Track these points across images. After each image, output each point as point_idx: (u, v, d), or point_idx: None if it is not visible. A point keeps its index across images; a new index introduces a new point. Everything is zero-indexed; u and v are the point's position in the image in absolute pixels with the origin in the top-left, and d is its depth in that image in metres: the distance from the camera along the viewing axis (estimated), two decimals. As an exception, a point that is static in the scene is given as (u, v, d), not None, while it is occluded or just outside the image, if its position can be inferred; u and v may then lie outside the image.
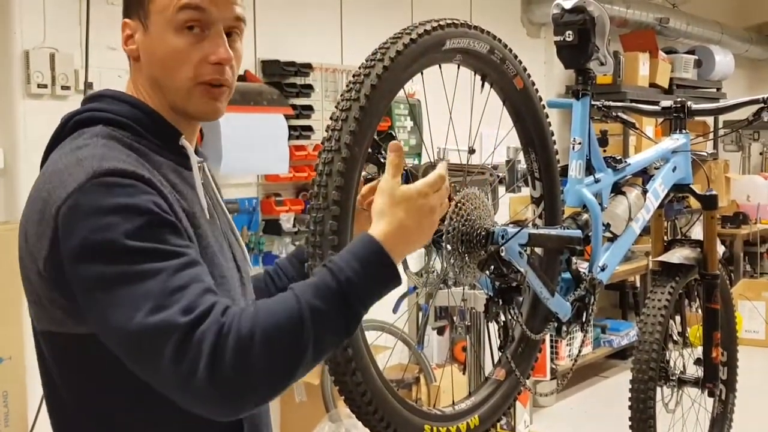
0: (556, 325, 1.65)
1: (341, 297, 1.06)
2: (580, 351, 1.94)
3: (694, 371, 2.39)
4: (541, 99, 1.58)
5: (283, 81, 3.88)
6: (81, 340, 1.13)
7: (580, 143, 1.74)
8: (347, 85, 1.21)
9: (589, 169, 1.78)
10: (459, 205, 1.37)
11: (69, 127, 1.20)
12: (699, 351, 2.38)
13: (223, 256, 1.24)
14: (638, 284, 6.32)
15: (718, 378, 2.36)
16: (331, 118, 1.19)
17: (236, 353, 1.00)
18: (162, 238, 1.07)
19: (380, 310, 1.96)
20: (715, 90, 7.27)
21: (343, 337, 1.09)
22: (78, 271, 1.06)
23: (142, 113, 1.21)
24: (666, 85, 6.39)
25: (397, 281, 1.12)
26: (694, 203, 2.39)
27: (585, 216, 1.72)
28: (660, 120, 2.45)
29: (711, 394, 2.39)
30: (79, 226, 1.05)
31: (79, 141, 1.15)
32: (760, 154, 8.79)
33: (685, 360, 2.42)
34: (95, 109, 1.20)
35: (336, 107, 1.20)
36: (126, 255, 1.04)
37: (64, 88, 3.18)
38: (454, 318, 3.59)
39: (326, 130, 1.19)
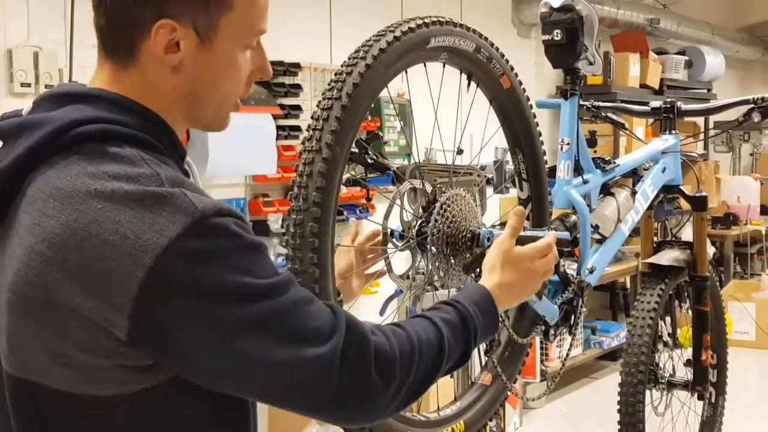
0: (543, 328, 1.62)
1: (467, 341, 1.17)
2: (568, 354, 1.91)
3: (684, 373, 2.37)
4: (528, 99, 1.55)
5: (271, 80, 3.85)
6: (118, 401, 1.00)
7: (568, 144, 1.72)
8: (329, 84, 1.18)
9: (578, 170, 1.75)
10: (444, 206, 1.35)
11: (68, 140, 0.97)
12: (689, 352, 2.36)
13: None
14: (628, 285, 6.31)
15: (707, 381, 2.34)
16: (312, 118, 1.17)
17: (385, 369, 1.03)
18: (273, 269, 1.00)
19: (368, 311, 1.93)
20: (705, 91, 7.28)
21: (452, 370, 1.18)
22: (203, 318, 0.94)
23: (158, 128, 1.04)
24: (656, 86, 6.39)
25: (495, 332, 1.28)
26: (684, 204, 2.37)
27: (573, 217, 1.69)
28: (650, 121, 2.43)
29: (701, 397, 2.37)
30: (201, 271, 0.93)
31: (123, 168, 0.95)
32: (751, 155, 8.80)
33: (674, 362, 2.41)
34: (104, 120, 0.99)
35: (317, 106, 1.17)
36: (260, 293, 0.96)
37: (48, 86, 3.14)
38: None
39: (307, 130, 1.16)
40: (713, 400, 2.48)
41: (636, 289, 5.85)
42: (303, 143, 1.16)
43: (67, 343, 0.96)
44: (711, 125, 6.74)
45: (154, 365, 0.97)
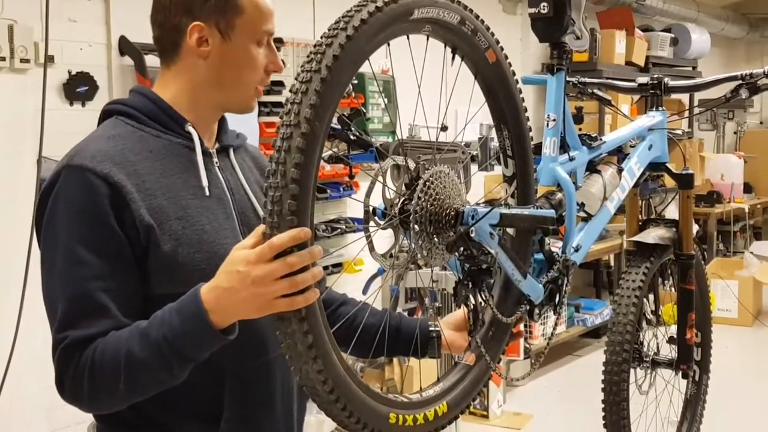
0: (528, 307, 1.59)
1: (159, 348, 1.24)
2: (553, 333, 1.89)
3: (668, 351, 2.36)
4: (514, 73, 1.51)
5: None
6: None
7: (554, 120, 1.68)
8: (308, 56, 1.13)
9: (564, 147, 1.72)
10: (428, 184, 1.31)
11: (101, 115, 1.48)
12: (672, 330, 2.35)
13: (219, 232, 1.41)
14: (612, 263, 6.32)
15: (692, 359, 2.33)
16: (290, 91, 1.12)
17: (73, 379, 1.29)
18: (86, 236, 1.30)
19: (351, 290, 1.90)
20: (690, 68, 7.27)
21: (166, 378, 1.27)
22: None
23: (152, 104, 1.45)
24: (642, 63, 6.37)
25: (215, 340, 1.22)
26: (669, 182, 2.35)
27: (559, 195, 1.66)
28: (636, 98, 2.40)
29: (685, 376, 2.36)
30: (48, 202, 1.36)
31: (96, 130, 1.44)
32: (735, 133, 8.82)
33: (658, 340, 2.39)
34: (117, 102, 1.48)
35: (296, 79, 1.12)
36: (57, 243, 1.32)
37: (24, 61, 3.07)
38: (425, 299, 3.54)
39: (285, 103, 1.11)
40: (697, 378, 2.47)
41: (620, 267, 5.86)
42: (281, 117, 1.11)
43: None
44: (696, 103, 6.74)
45: None
